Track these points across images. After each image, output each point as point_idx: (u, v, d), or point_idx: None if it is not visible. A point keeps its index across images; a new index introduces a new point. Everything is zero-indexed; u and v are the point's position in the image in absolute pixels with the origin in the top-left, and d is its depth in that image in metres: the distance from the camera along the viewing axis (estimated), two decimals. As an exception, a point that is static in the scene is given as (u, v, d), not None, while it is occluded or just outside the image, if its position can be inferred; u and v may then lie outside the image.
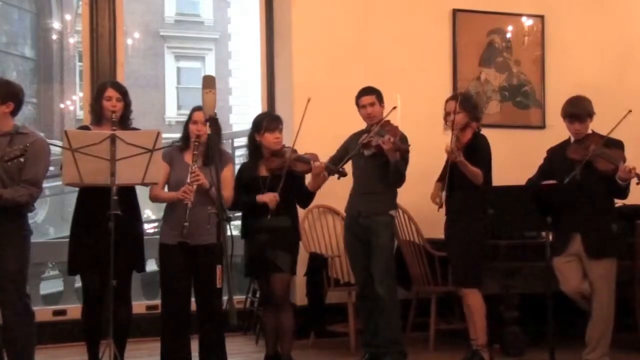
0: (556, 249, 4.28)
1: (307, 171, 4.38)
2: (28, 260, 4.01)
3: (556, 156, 4.55)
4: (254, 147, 4.45)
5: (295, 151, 4.35)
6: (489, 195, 4.30)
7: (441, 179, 4.59)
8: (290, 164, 4.27)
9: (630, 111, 4.17)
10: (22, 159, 3.67)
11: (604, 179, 4.26)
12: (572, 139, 4.44)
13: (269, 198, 4.22)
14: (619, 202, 5.18)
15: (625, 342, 5.01)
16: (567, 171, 4.29)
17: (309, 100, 4.26)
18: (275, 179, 4.26)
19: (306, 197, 4.49)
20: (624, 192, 4.32)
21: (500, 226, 4.69)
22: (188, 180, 3.98)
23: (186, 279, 4.13)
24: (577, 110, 4.37)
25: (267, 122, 4.39)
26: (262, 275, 4.42)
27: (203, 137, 4.06)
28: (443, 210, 4.60)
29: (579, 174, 4.19)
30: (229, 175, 4.27)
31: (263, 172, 4.37)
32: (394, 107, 4.39)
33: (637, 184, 4.16)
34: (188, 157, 4.18)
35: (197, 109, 4.19)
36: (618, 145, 4.35)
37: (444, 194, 4.51)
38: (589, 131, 4.41)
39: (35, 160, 3.85)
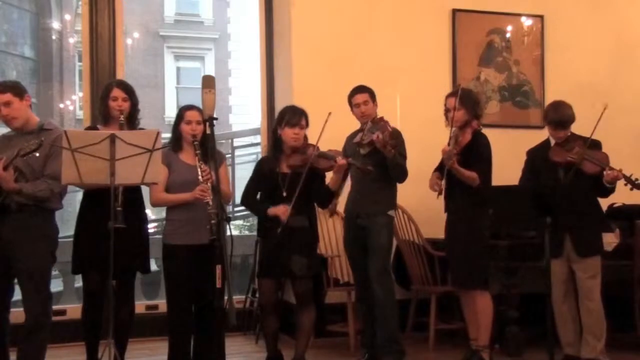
0: (551, 251, 4.27)
1: (330, 168, 4.26)
2: (51, 259, 3.97)
3: (537, 158, 4.59)
4: (275, 140, 4.36)
5: (318, 148, 4.25)
6: (490, 195, 4.30)
7: (439, 168, 4.56)
8: (312, 161, 4.18)
9: (606, 106, 4.20)
10: (37, 154, 3.66)
11: (589, 179, 4.32)
12: (553, 141, 4.49)
13: (281, 211, 4.13)
14: (618, 202, 5.21)
15: (625, 342, 5.02)
16: (550, 173, 4.37)
17: (329, 114, 4.14)
18: (295, 176, 4.19)
19: (327, 196, 4.37)
20: (609, 192, 4.40)
21: (499, 226, 4.70)
22: (200, 180, 3.91)
23: (190, 278, 4.10)
24: (564, 117, 4.42)
25: (289, 116, 4.28)
26: (272, 276, 4.31)
27: (199, 136, 4.06)
28: (443, 210, 4.60)
29: (567, 176, 4.24)
30: (223, 173, 4.22)
31: (284, 168, 4.29)
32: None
33: (625, 185, 4.19)
34: (185, 157, 4.16)
35: (188, 108, 4.18)
36: (598, 145, 4.40)
37: (443, 182, 4.41)
38: (568, 133, 4.46)
39: (57, 155, 3.80)
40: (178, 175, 4.11)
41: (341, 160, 4.19)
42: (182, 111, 4.19)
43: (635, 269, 4.96)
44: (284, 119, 4.28)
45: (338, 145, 4.76)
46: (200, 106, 4.17)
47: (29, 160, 3.74)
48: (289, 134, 4.24)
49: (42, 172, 3.85)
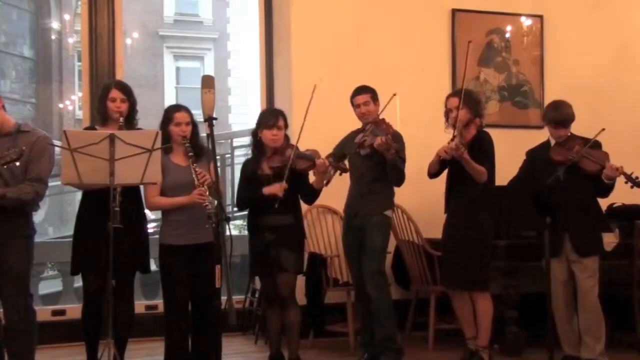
0: (551, 251, 4.26)
1: (309, 168, 4.33)
2: (32, 259, 3.99)
3: (537, 158, 4.60)
4: (256, 143, 4.42)
5: (297, 148, 4.31)
6: (493, 195, 4.30)
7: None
8: (292, 162, 4.23)
9: (604, 129, 4.30)
10: (17, 163, 3.65)
11: (589, 179, 4.32)
12: (553, 142, 4.51)
13: (276, 189, 4.18)
14: (618, 202, 5.21)
15: (624, 342, 5.02)
16: (550, 173, 4.36)
17: (315, 86, 4.22)
18: (277, 176, 4.24)
19: (311, 194, 4.44)
20: (609, 191, 4.39)
21: (500, 226, 4.70)
22: (196, 183, 3.93)
23: (188, 279, 4.11)
24: (563, 116, 4.45)
25: (265, 118, 4.36)
26: (267, 274, 4.38)
27: (189, 136, 4.09)
28: (443, 210, 4.59)
29: (562, 175, 4.24)
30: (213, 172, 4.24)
31: (265, 169, 4.34)
32: (394, 95, 4.35)
33: (625, 182, 4.20)
34: (176, 159, 4.18)
35: (176, 109, 4.18)
36: (598, 146, 4.43)
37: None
38: (568, 133, 4.47)
39: (39, 158, 3.84)
40: (172, 178, 4.11)
41: (320, 161, 4.25)
42: (170, 113, 4.18)
43: (635, 269, 4.97)
44: (261, 122, 4.34)
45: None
46: (188, 106, 4.23)
47: (9, 167, 3.73)
48: (267, 136, 4.31)
49: (25, 175, 3.83)
